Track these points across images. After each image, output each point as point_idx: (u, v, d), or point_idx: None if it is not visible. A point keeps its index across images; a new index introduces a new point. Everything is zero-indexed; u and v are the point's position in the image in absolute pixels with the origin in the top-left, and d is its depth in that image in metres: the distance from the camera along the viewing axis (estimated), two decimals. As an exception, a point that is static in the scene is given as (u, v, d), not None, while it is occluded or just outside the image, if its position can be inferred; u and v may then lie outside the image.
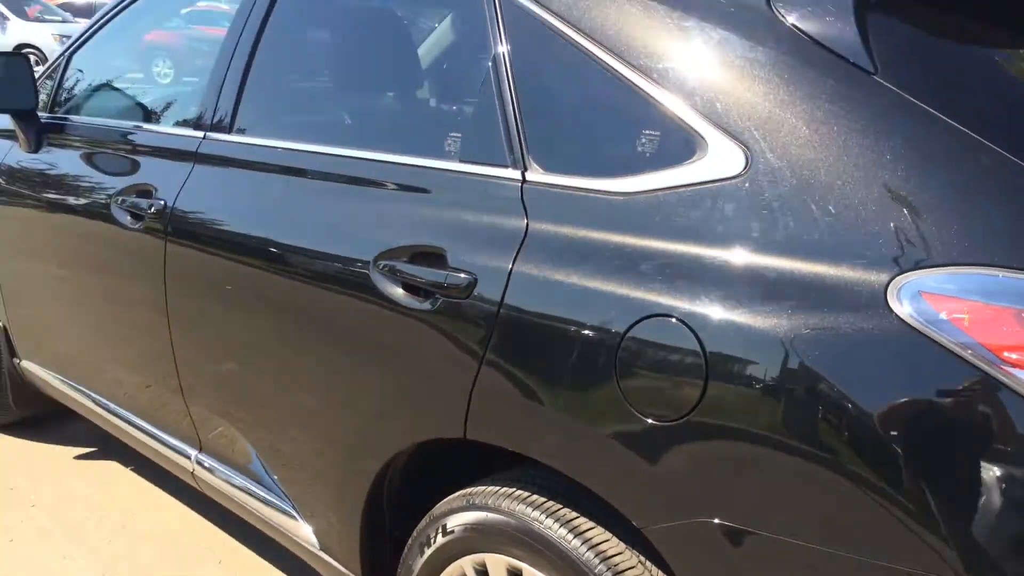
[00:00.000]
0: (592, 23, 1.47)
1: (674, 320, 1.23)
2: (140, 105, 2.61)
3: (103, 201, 2.32)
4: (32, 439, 3.19)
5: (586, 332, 1.32)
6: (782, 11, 1.32)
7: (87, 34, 2.75)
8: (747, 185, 1.25)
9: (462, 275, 1.48)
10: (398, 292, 1.58)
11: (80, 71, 2.78)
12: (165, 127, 2.34)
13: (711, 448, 1.21)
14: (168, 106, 2.45)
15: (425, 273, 1.54)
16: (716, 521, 1.20)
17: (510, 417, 1.43)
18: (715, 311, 1.21)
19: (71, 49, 2.80)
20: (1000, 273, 1.07)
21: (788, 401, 1.15)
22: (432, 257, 1.54)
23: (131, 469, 2.98)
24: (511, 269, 1.43)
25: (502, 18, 1.59)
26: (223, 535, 2.60)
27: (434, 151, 1.66)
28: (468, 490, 1.57)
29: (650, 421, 1.25)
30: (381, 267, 1.60)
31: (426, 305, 1.53)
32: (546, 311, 1.38)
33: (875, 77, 1.23)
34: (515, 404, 1.41)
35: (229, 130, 2.06)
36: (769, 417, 1.16)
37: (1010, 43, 1.34)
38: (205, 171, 2.09)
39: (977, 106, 1.22)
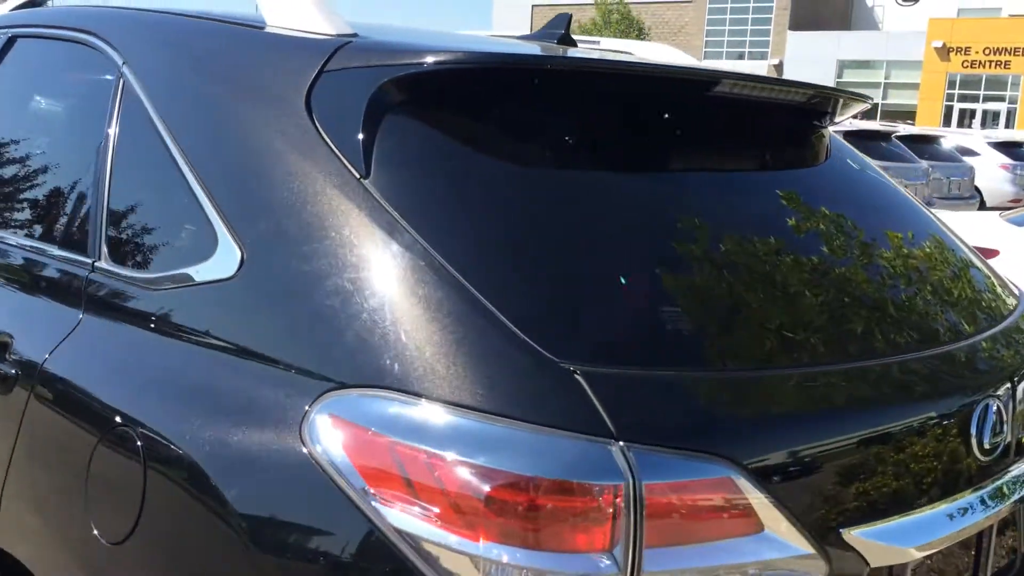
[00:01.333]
0: (171, 114, 1.41)
1: (129, 429, 1.15)
2: None
3: None
4: None
5: (67, 437, 1.24)
6: (313, 109, 1.26)
7: None
8: (230, 289, 1.18)
9: (12, 368, 1.40)
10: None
11: None
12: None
13: (145, 570, 1.12)
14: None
15: (-9, 362, 1.46)
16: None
17: (16, 523, 1.34)
18: (166, 421, 1.13)
19: None
20: (396, 400, 1.00)
21: (205, 518, 1.07)
22: (3, 345, 1.47)
23: None
24: (45, 360, 1.35)
25: (120, 105, 1.54)
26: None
27: (36, 231, 1.60)
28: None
29: (103, 540, 1.16)
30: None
31: (-18, 396, 1.45)
32: (56, 411, 1.30)
33: (364, 182, 1.16)
34: (20, 510, 1.32)
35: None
36: (194, 537, 1.09)
37: (515, 160, 1.26)
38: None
39: (444, 221, 1.14)
